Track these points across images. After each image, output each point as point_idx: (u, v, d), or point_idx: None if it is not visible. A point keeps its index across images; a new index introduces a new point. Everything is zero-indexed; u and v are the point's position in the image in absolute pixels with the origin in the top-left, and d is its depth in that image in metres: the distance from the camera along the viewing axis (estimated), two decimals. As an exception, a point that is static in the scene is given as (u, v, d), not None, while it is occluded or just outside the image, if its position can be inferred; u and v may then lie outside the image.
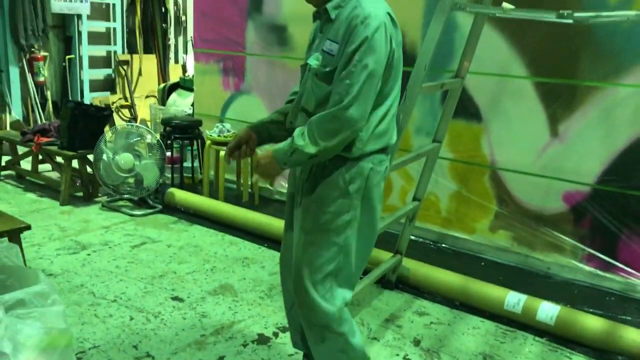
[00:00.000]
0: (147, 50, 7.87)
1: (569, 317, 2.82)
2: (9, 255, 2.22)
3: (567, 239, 3.55)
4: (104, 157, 4.40)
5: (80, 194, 4.76)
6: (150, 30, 7.86)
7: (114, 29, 7.59)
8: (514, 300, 2.96)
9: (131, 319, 2.87)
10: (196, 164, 5.38)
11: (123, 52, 7.65)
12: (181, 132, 5.01)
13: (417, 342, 2.80)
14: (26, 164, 5.26)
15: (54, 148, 4.67)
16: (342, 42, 1.81)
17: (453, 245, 4.00)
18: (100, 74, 7.59)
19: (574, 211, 3.51)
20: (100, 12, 7.45)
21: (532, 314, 2.89)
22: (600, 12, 2.10)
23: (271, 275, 3.46)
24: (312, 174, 1.97)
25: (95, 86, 7.50)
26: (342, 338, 2.01)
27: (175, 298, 3.12)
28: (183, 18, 8.26)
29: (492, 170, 3.78)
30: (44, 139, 4.77)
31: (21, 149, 5.20)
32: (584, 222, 3.49)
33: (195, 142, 5.23)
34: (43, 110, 6.83)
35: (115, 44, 7.60)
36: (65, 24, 7.14)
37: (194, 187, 5.15)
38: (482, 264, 3.78)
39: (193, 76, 5.85)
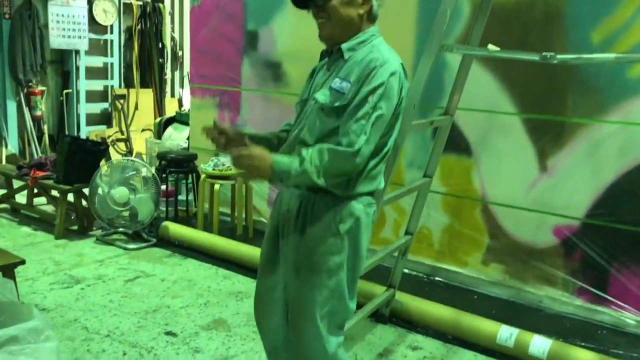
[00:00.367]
0: (144, 84, 7.97)
1: (561, 351, 2.84)
2: (3, 291, 2.24)
3: (558, 272, 3.58)
4: (100, 190, 4.44)
5: (75, 227, 4.77)
6: (147, 65, 7.98)
7: (112, 63, 7.71)
8: (506, 334, 2.98)
9: (124, 354, 2.87)
10: (191, 197, 5.41)
11: (120, 87, 7.75)
12: (176, 166, 5.06)
13: (410, 377, 2.80)
14: (21, 198, 5.29)
15: (50, 182, 4.71)
16: (356, 83, 1.84)
17: (446, 278, 4.02)
18: (97, 108, 7.67)
19: (564, 245, 3.56)
20: (98, 48, 7.57)
21: (524, 348, 2.91)
22: (581, 55, 2.18)
23: (265, 310, 3.46)
24: (301, 212, 1.95)
25: (92, 120, 7.57)
26: None
27: (168, 333, 3.12)
28: (180, 53, 8.40)
29: (484, 204, 3.83)
30: (40, 173, 4.81)
31: (17, 183, 5.23)
32: (574, 256, 3.53)
33: (190, 176, 5.28)
34: (39, 144, 6.89)
35: (112, 78, 7.71)
36: (63, 59, 7.25)
37: (188, 220, 5.18)
38: (475, 297, 3.80)
39: (189, 110, 5.94)
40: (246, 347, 3.00)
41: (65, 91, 7.20)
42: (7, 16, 6.40)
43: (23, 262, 2.90)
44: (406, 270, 3.87)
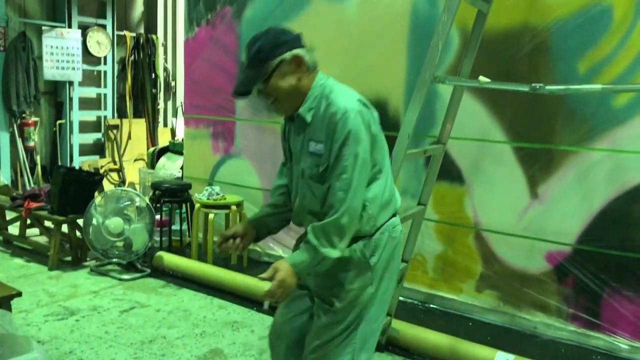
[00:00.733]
0: (137, 114, 8.04)
1: (557, 377, 2.86)
2: (2, 323, 2.24)
3: (551, 298, 3.62)
4: (94, 221, 4.44)
5: (69, 258, 4.76)
6: (140, 95, 8.06)
7: (105, 94, 7.77)
8: (502, 360, 3.00)
9: (121, 386, 2.85)
10: (184, 227, 5.43)
11: (113, 117, 7.80)
12: (171, 196, 5.09)
13: (408, 405, 2.80)
14: (13, 229, 5.27)
15: (44, 213, 4.70)
16: (326, 140, 1.88)
17: (441, 305, 4.04)
18: (90, 138, 7.71)
19: (557, 271, 3.60)
20: (92, 79, 7.65)
21: (520, 375, 2.92)
22: (569, 86, 2.26)
23: (261, 340, 3.46)
24: None
25: (85, 150, 7.60)
26: None
27: (165, 364, 3.11)
28: (172, 84, 8.49)
29: (476, 231, 3.88)
30: (34, 204, 4.81)
31: (9, 214, 5.22)
32: (567, 281, 3.57)
33: (184, 206, 5.30)
34: (32, 175, 6.89)
35: (105, 109, 7.77)
36: (57, 90, 7.31)
37: (182, 249, 5.18)
38: (470, 323, 3.82)
39: (182, 140, 5.98)
40: (243, 378, 2.99)
41: (58, 122, 7.24)
42: (1, 48, 6.47)
43: (20, 294, 2.89)
44: (401, 298, 3.89)
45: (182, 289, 4.28)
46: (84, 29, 7.34)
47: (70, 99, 7.29)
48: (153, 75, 8.16)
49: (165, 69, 8.42)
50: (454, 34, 3.70)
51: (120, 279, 4.40)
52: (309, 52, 1.94)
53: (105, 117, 7.75)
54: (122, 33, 7.86)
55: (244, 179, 5.11)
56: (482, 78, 2.35)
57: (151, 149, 7.04)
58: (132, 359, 3.14)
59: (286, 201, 2.16)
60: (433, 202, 3.85)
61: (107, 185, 7.20)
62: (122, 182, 7.50)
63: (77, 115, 7.37)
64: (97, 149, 7.76)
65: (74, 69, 7.13)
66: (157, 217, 4.90)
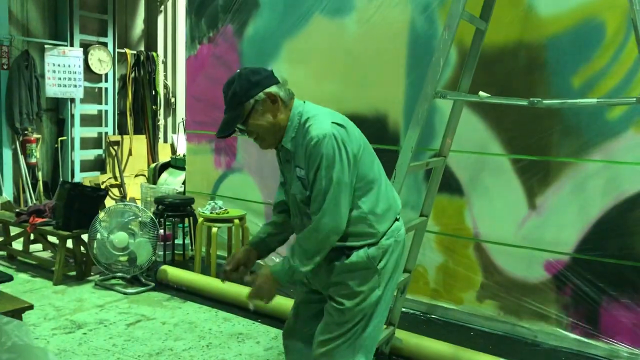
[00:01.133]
0: (137, 130, 8.13)
1: (559, 384, 2.92)
2: (19, 334, 2.29)
3: (551, 307, 3.69)
4: (98, 236, 4.50)
5: (73, 273, 4.80)
6: (140, 112, 8.16)
7: (106, 111, 7.86)
8: (504, 368, 3.06)
9: (131, 397, 2.89)
10: (187, 241, 5.48)
11: (114, 133, 7.88)
12: (174, 210, 5.15)
13: (413, 413, 2.85)
14: (17, 244, 5.31)
15: (49, 228, 4.76)
16: (306, 167, 1.99)
17: (442, 315, 4.10)
18: (91, 154, 7.78)
19: (555, 280, 3.68)
20: (93, 96, 7.73)
21: (523, 382, 2.98)
22: (566, 100, 2.36)
23: (267, 351, 3.51)
24: (336, 256, 2.08)
25: (86, 166, 7.67)
26: None
27: (173, 375, 3.16)
28: (172, 100, 8.59)
29: (476, 242, 3.95)
30: (39, 220, 4.86)
31: (13, 230, 5.27)
32: (566, 291, 3.65)
33: (186, 220, 5.36)
34: (34, 191, 6.94)
35: (106, 125, 7.85)
36: (58, 107, 7.39)
37: (184, 264, 5.24)
38: (472, 333, 3.88)
39: (184, 155, 6.06)
40: (251, 388, 3.04)
41: (60, 138, 7.31)
42: (5, 67, 6.56)
43: (31, 307, 2.95)
44: (403, 309, 3.95)
45: (187, 302, 4.33)
46: (86, 47, 7.45)
47: (72, 116, 7.37)
48: (153, 92, 8.26)
49: (166, 86, 8.53)
50: (452, 51, 3.81)
51: (125, 293, 4.45)
52: (282, 87, 2.05)
53: (106, 133, 7.83)
54: (122, 51, 7.98)
55: (246, 193, 5.19)
56: (482, 93, 2.45)
57: (153, 165, 7.12)
58: (140, 370, 3.19)
59: (286, 219, 2.26)
60: (433, 214, 3.92)
61: (108, 201, 7.26)
62: (123, 197, 7.55)
63: (79, 132, 7.45)
64: (98, 165, 7.83)
65: (75, 86, 7.23)
66: (161, 231, 4.96)
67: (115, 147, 7.76)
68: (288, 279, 2.05)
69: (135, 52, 8.12)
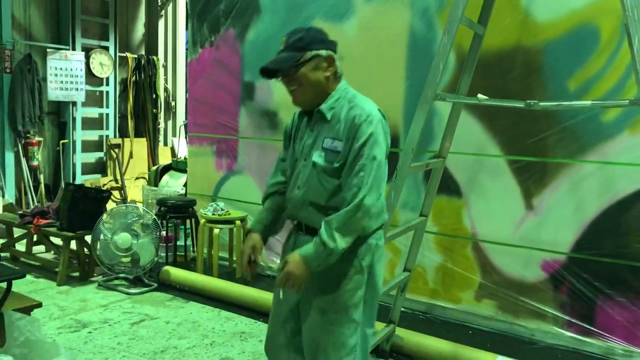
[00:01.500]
0: (138, 133, 8.20)
1: (555, 379, 2.99)
2: (31, 330, 2.36)
3: (548, 305, 3.76)
4: (102, 237, 4.56)
5: (76, 273, 4.86)
6: (141, 115, 8.23)
7: (107, 114, 7.93)
8: (503, 364, 3.13)
9: (137, 393, 2.95)
10: (188, 242, 5.55)
11: (115, 136, 7.95)
12: (176, 212, 5.22)
13: (414, 408, 2.92)
14: (20, 246, 5.37)
15: (53, 229, 4.82)
16: (346, 140, 2.00)
17: (441, 315, 4.17)
18: (92, 157, 7.85)
19: (552, 279, 3.75)
20: (94, 99, 7.81)
21: (520, 377, 3.05)
22: (561, 102, 2.44)
23: (269, 348, 3.57)
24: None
25: (87, 169, 7.73)
26: None
27: (178, 372, 3.22)
28: (173, 103, 8.66)
29: (474, 242, 4.03)
30: (43, 221, 4.92)
31: (16, 232, 5.32)
32: (562, 289, 3.72)
33: (188, 221, 5.42)
34: (35, 193, 7.00)
35: (107, 128, 7.92)
36: (60, 110, 7.46)
37: (186, 264, 5.30)
38: (470, 332, 3.95)
39: (185, 158, 6.12)
40: (255, 384, 3.10)
41: (61, 141, 7.37)
42: (8, 70, 6.62)
43: (40, 304, 3.01)
44: (403, 309, 4.01)
45: (189, 301, 4.39)
46: (87, 50, 7.53)
47: (74, 119, 7.44)
48: (154, 96, 8.33)
49: (166, 89, 8.60)
50: (450, 55, 3.89)
51: (128, 293, 4.51)
52: (339, 60, 2.11)
53: (107, 136, 7.90)
54: (124, 55, 8.05)
55: (247, 195, 5.25)
56: (480, 96, 2.53)
57: (154, 167, 7.19)
58: (146, 367, 3.25)
59: (281, 204, 2.25)
60: (432, 215, 3.99)
61: (109, 204, 7.32)
62: (124, 200, 7.61)
63: (80, 135, 7.52)
64: (99, 167, 7.89)
65: (77, 89, 7.30)
66: (163, 232, 5.02)
67: (116, 150, 7.83)
68: (321, 262, 1.96)
69: (136, 56, 8.20)
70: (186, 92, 8.17)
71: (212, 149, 5.50)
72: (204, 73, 5.46)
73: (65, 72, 7.16)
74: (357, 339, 2.10)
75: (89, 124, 7.73)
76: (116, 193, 7.72)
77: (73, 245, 4.83)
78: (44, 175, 7.24)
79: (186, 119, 8.02)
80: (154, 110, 8.32)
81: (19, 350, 2.30)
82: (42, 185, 7.09)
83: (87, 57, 7.49)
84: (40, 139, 7.09)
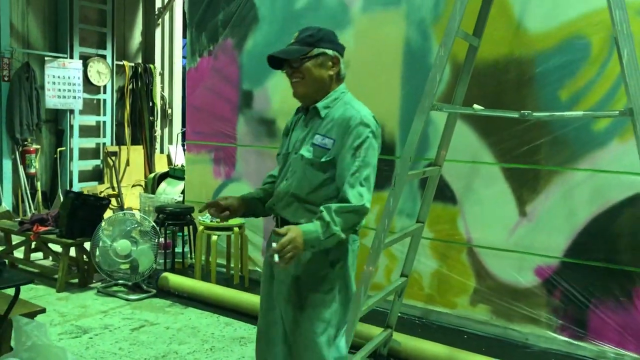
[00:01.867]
0: (135, 141, 8.24)
1: (549, 382, 3.06)
2: (38, 334, 2.41)
3: (541, 310, 3.84)
4: (101, 244, 4.61)
5: (75, 280, 4.90)
6: (138, 123, 8.28)
7: (104, 122, 7.98)
8: (498, 367, 3.20)
9: (140, 397, 3.00)
10: (186, 249, 5.60)
11: (112, 144, 8.00)
12: (174, 219, 5.27)
13: (411, 410, 2.98)
14: (18, 253, 5.40)
15: (52, 236, 4.86)
16: (339, 139, 2.07)
17: (437, 320, 4.24)
18: (89, 164, 7.89)
19: (546, 284, 3.83)
20: (91, 107, 7.85)
21: (515, 380, 3.12)
22: (554, 112, 2.53)
23: (269, 353, 3.62)
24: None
25: (84, 176, 7.77)
26: None
27: (180, 376, 3.27)
28: (169, 111, 8.72)
29: (469, 248, 4.11)
30: (42, 228, 4.96)
31: (15, 239, 5.36)
32: (555, 294, 3.80)
33: (186, 228, 5.48)
34: (32, 201, 7.03)
35: (104, 136, 7.96)
36: (57, 118, 7.50)
37: (184, 271, 5.35)
38: (465, 336, 4.02)
39: (182, 166, 6.18)
40: (255, 388, 3.16)
41: (59, 149, 7.41)
42: (6, 78, 6.67)
43: (44, 310, 3.05)
44: (399, 314, 4.09)
45: (188, 307, 4.44)
46: (85, 59, 7.58)
47: (71, 127, 7.48)
48: (150, 104, 8.39)
49: (162, 97, 8.66)
50: (446, 66, 3.98)
51: (127, 299, 4.55)
52: (345, 64, 2.20)
53: (104, 144, 7.94)
54: (121, 63, 8.11)
55: (245, 202, 5.30)
56: (476, 106, 2.61)
57: (152, 175, 7.24)
58: (148, 372, 3.30)
59: (271, 190, 2.30)
60: (428, 222, 4.05)
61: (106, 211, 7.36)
62: (121, 207, 7.65)
63: (77, 143, 7.56)
64: (96, 175, 7.93)
65: (74, 97, 7.34)
66: (161, 239, 5.07)
67: (113, 158, 7.87)
68: (319, 243, 1.96)
69: (133, 64, 8.26)
70: (183, 100, 8.26)
71: (210, 157, 5.56)
72: (203, 82, 5.53)
73: (63, 80, 7.21)
74: (327, 338, 2.13)
75: (86, 131, 7.78)
76: (113, 200, 7.75)
77: (72, 252, 4.87)
78: (41, 183, 7.27)
79: (183, 126, 8.10)
80: (151, 118, 8.38)
81: (26, 355, 2.35)
82: (39, 193, 7.12)
83: (85, 66, 7.54)
84: (38, 146, 7.13)
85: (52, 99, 7.14)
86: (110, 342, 3.73)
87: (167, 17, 8.63)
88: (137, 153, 8.19)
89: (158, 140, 8.62)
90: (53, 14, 7.31)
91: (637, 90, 2.29)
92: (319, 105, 2.15)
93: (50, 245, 5.10)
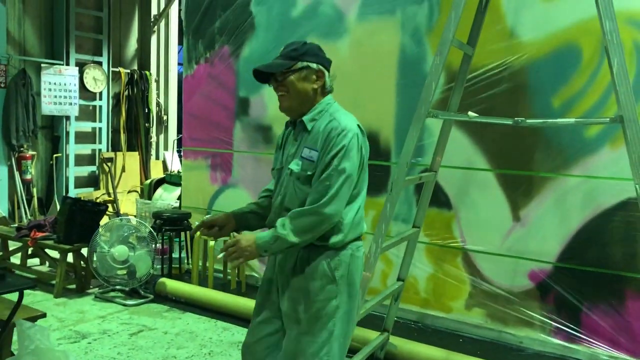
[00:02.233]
0: (130, 147, 8.28)
1: (543, 384, 3.11)
2: (41, 338, 2.44)
3: (535, 314, 3.90)
4: (99, 249, 4.63)
5: (73, 286, 4.91)
6: (133, 129, 8.32)
7: (100, 128, 8.01)
8: (493, 370, 3.25)
9: (140, 400, 3.02)
10: (183, 254, 5.62)
11: (107, 150, 8.02)
12: (172, 225, 5.30)
13: (408, 412, 3.02)
14: (14, 259, 5.41)
15: (50, 242, 4.88)
16: (321, 150, 2.11)
17: (432, 324, 4.29)
18: (85, 171, 7.91)
19: (539, 288, 3.89)
20: (87, 113, 7.89)
21: (510, 382, 3.17)
22: (547, 120, 2.60)
23: (267, 357, 3.66)
24: (298, 264, 2.15)
25: (80, 182, 7.78)
26: None
27: (179, 380, 3.29)
28: (165, 117, 8.76)
29: (464, 252, 4.16)
30: (40, 234, 4.98)
31: (11, 245, 5.37)
32: (549, 298, 3.86)
33: (182, 234, 5.51)
34: (28, 207, 7.04)
35: (100, 142, 8.00)
36: (53, 124, 7.52)
37: (180, 276, 5.37)
38: (460, 340, 4.07)
39: (179, 172, 6.22)
40: (254, 391, 3.19)
41: (55, 155, 7.43)
42: (2, 85, 6.70)
43: (44, 315, 3.08)
44: (395, 318, 4.13)
45: (186, 312, 4.47)
46: (81, 65, 7.62)
47: (67, 133, 7.51)
48: (146, 110, 8.43)
49: (158, 104, 8.70)
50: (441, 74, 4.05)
51: (125, 305, 4.58)
52: (331, 77, 2.23)
53: (100, 150, 7.97)
54: (117, 69, 8.15)
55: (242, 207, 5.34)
56: (471, 113, 2.68)
57: (148, 180, 7.26)
58: (147, 376, 3.32)
59: (269, 205, 2.32)
60: (423, 227, 4.12)
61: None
62: (117, 213, 7.66)
63: (73, 149, 7.59)
64: (92, 181, 7.95)
65: (70, 104, 7.37)
66: (158, 245, 5.10)
67: (109, 164, 7.90)
68: (269, 247, 2.05)
69: (129, 71, 8.30)
70: (178, 106, 8.30)
71: (207, 163, 5.60)
72: (199, 89, 5.58)
73: (59, 87, 7.24)
74: (328, 350, 2.14)
75: (82, 138, 7.81)
76: (109, 206, 7.77)
77: (70, 258, 4.89)
78: (37, 189, 7.28)
79: (178, 133, 8.14)
80: (146, 125, 8.41)
81: (29, 358, 2.38)
82: (35, 199, 7.13)
83: (81, 72, 7.58)
84: (34, 152, 7.15)
85: (48, 106, 7.16)
86: (109, 346, 3.75)
87: (162, 24, 8.69)
88: (132, 159, 8.22)
89: (153, 146, 8.65)
90: (49, 21, 7.35)
91: (627, 98, 2.36)
92: (305, 118, 2.18)
93: (48, 251, 5.12)
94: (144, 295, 4.76)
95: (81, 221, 4.79)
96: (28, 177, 7.01)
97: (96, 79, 7.78)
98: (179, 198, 6.13)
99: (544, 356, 3.82)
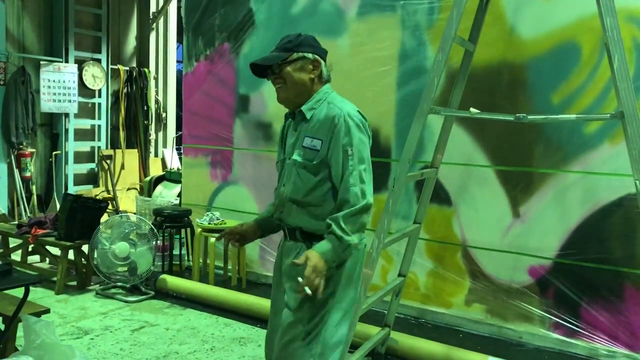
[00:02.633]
0: (129, 145, 8.28)
1: (544, 378, 3.14)
2: (47, 333, 2.46)
3: (534, 309, 3.93)
4: (100, 246, 4.64)
5: (74, 282, 4.93)
6: (132, 126, 8.32)
7: (99, 125, 8.01)
8: (493, 364, 3.28)
9: (144, 395, 3.04)
10: (183, 251, 5.64)
11: (107, 147, 8.03)
12: (172, 221, 5.31)
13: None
14: (15, 256, 5.42)
15: (51, 239, 4.89)
16: (326, 139, 2.13)
17: (433, 319, 4.32)
18: (84, 168, 7.91)
19: (539, 283, 3.92)
20: (86, 111, 7.88)
21: (510, 377, 3.20)
22: (548, 116, 2.62)
23: (269, 352, 3.68)
24: (300, 255, 2.18)
25: (79, 180, 7.79)
26: None
27: (182, 375, 3.31)
28: (163, 115, 8.76)
29: (464, 248, 4.19)
30: (41, 231, 4.99)
31: (12, 242, 5.38)
32: (548, 293, 3.89)
33: (183, 231, 5.52)
34: (28, 204, 7.04)
35: (99, 139, 8.00)
36: (52, 121, 7.52)
37: (181, 273, 5.39)
38: (460, 335, 4.10)
39: (178, 169, 6.22)
40: (257, 386, 3.21)
41: (54, 152, 7.43)
42: (1, 82, 6.70)
43: (48, 310, 3.10)
44: (396, 314, 4.16)
45: (187, 309, 4.49)
46: (80, 63, 7.62)
47: (66, 131, 7.51)
48: (145, 107, 8.44)
49: (157, 101, 8.70)
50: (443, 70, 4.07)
51: (126, 301, 4.59)
52: (328, 67, 2.26)
53: (99, 147, 7.97)
54: (116, 67, 8.15)
55: (242, 205, 5.37)
56: (472, 109, 2.70)
57: (148, 178, 7.27)
58: (150, 372, 3.34)
59: None
60: (423, 223, 4.15)
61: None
62: (116, 210, 7.67)
63: (72, 146, 7.59)
64: (91, 178, 7.96)
65: (70, 101, 7.37)
66: (159, 242, 5.11)
67: (108, 161, 7.90)
68: (337, 257, 2.04)
69: (127, 68, 8.30)
70: (177, 103, 8.30)
71: (207, 160, 5.62)
72: (199, 86, 5.59)
73: (58, 84, 7.24)
74: (322, 337, 2.17)
75: (81, 135, 7.81)
76: (109, 203, 7.78)
77: (70, 254, 4.90)
78: (37, 186, 7.29)
79: (177, 130, 8.15)
80: (145, 122, 8.42)
81: (35, 353, 2.39)
82: (35, 196, 7.14)
83: (80, 70, 7.58)
84: (33, 150, 7.15)
85: (47, 103, 7.16)
86: (112, 342, 3.77)
87: (161, 21, 8.68)
88: (131, 156, 8.22)
89: (152, 143, 8.66)
90: (48, 18, 7.35)
91: (628, 94, 2.38)
92: (304, 108, 2.20)
93: (49, 248, 5.13)
94: (145, 292, 4.77)
95: (82, 218, 4.80)
96: (27, 174, 7.01)
97: (95, 76, 7.78)
98: (179, 195, 6.14)
99: (543, 351, 3.85)
